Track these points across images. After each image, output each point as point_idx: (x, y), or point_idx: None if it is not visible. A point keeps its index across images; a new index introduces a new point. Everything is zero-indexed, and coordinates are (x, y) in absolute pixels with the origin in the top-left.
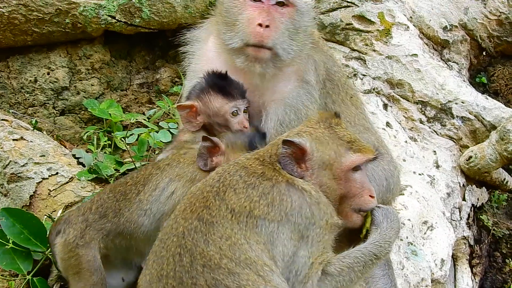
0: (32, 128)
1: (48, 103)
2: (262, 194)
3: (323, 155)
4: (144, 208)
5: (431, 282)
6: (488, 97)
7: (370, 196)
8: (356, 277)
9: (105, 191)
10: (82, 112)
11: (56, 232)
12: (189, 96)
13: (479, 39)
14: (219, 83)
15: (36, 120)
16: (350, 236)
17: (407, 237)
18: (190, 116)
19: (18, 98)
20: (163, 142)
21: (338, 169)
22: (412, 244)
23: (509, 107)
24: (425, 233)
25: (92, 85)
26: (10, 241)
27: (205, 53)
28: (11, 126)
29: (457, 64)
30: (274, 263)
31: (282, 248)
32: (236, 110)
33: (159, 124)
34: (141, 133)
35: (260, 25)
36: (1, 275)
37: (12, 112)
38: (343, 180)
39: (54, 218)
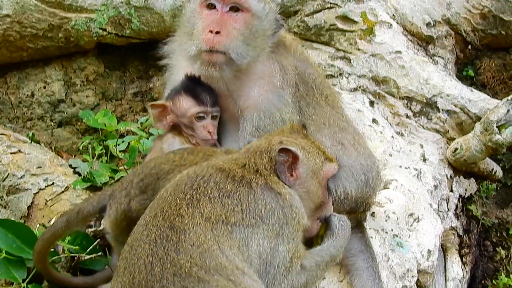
0: (30, 141)
1: (45, 116)
2: (237, 202)
3: (312, 164)
4: None
5: (418, 273)
6: (473, 89)
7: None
8: (320, 274)
9: (148, 165)
10: (79, 123)
11: (100, 206)
12: (166, 96)
13: (464, 33)
14: (191, 86)
15: (33, 133)
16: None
17: (392, 230)
18: (161, 115)
19: (16, 112)
20: None
21: (322, 177)
22: (397, 236)
23: (497, 98)
24: (411, 225)
25: (87, 96)
26: (3, 251)
27: (180, 63)
28: (9, 140)
29: (443, 59)
30: (248, 264)
31: (258, 247)
32: (203, 115)
33: (150, 131)
34: (132, 140)
35: (211, 31)
36: None
37: (10, 126)
38: (323, 188)
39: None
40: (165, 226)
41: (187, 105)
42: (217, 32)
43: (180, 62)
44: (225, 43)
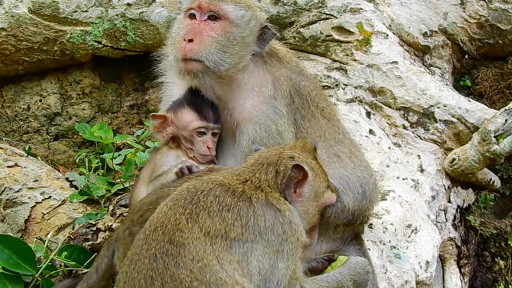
0: (26, 155)
1: (41, 129)
2: (237, 216)
3: (317, 186)
4: None
5: (416, 284)
6: (470, 99)
7: None
8: None
9: (145, 201)
10: (75, 136)
11: (111, 252)
12: (168, 107)
13: (461, 43)
14: (195, 101)
15: (29, 147)
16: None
17: (389, 241)
18: (161, 126)
19: (12, 126)
20: None
21: (321, 202)
22: (395, 247)
23: (495, 108)
24: (409, 236)
25: (83, 109)
26: (0, 267)
27: (174, 80)
28: (6, 154)
29: (440, 68)
30: (248, 279)
31: (257, 263)
32: (204, 130)
33: (146, 143)
34: (128, 153)
35: (185, 40)
36: None
37: (6, 140)
38: (319, 213)
39: (45, 240)
40: (164, 240)
41: (189, 119)
42: (190, 40)
43: (173, 79)
44: (198, 51)
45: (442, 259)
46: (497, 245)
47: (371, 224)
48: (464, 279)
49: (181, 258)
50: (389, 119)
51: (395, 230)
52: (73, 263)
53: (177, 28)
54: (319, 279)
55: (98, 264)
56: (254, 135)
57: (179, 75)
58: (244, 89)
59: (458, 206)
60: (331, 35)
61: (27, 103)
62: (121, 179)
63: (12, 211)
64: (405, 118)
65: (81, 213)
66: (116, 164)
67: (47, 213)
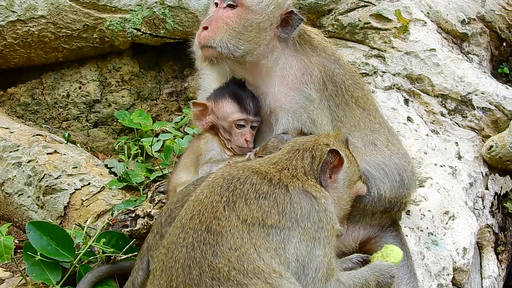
0: (66, 142)
1: (81, 117)
2: (274, 203)
3: (351, 174)
4: None
5: (454, 271)
6: (508, 87)
7: None
8: None
9: (172, 201)
10: (114, 123)
11: (146, 264)
12: (209, 96)
13: (499, 30)
14: (238, 92)
15: (68, 134)
16: None
17: (427, 228)
18: (201, 114)
19: (52, 113)
20: None
21: (354, 191)
22: (432, 234)
23: None
24: (446, 223)
25: (122, 96)
26: (38, 253)
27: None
28: (45, 141)
29: (478, 56)
30: (286, 267)
31: (295, 251)
32: (244, 123)
33: (185, 130)
34: (167, 139)
35: (202, 27)
36: (32, 286)
37: (46, 127)
38: (351, 201)
39: (84, 226)
40: (202, 229)
41: (230, 110)
42: (205, 28)
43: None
44: (210, 37)
45: (479, 246)
46: None
47: (408, 210)
48: (501, 265)
49: (219, 247)
50: (427, 106)
51: (433, 216)
52: (112, 249)
53: (205, 15)
54: (352, 275)
55: (133, 279)
56: (287, 124)
57: (200, 62)
58: (272, 75)
59: (496, 193)
60: (369, 23)
61: (67, 90)
62: (160, 166)
63: (51, 197)
64: (443, 105)
65: (120, 199)
66: (155, 151)
67: (86, 199)
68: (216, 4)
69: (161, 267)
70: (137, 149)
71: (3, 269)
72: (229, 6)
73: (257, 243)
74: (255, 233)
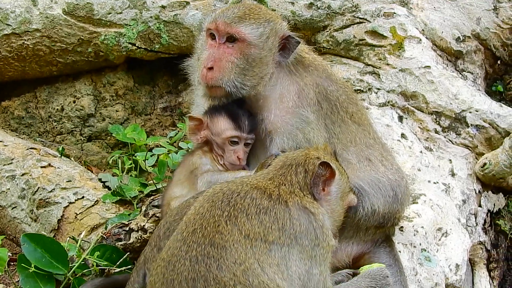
0: (60, 155)
1: (75, 131)
2: (274, 219)
3: (343, 186)
4: None
5: (446, 287)
6: (502, 104)
7: None
8: None
9: (171, 214)
10: (108, 137)
11: (142, 276)
12: (205, 111)
13: (493, 48)
14: (234, 110)
15: (62, 147)
16: None
17: (420, 244)
18: (196, 128)
19: (46, 126)
20: None
21: (346, 203)
22: (425, 250)
23: None
24: (439, 240)
25: (116, 111)
26: (32, 265)
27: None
28: (39, 154)
29: (472, 74)
30: (289, 283)
31: (296, 269)
32: (237, 140)
33: (179, 145)
34: (161, 154)
35: (205, 68)
36: None
37: (40, 141)
38: (343, 214)
39: (77, 239)
40: (205, 242)
41: (224, 127)
42: (210, 68)
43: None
44: (218, 78)
45: (472, 263)
46: None
47: (402, 227)
48: (493, 282)
49: (223, 260)
50: (421, 123)
51: (426, 233)
52: (106, 262)
53: (202, 46)
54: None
55: None
56: (283, 145)
57: (206, 100)
58: (269, 100)
59: (489, 211)
60: (364, 39)
61: (61, 104)
62: (154, 181)
63: (45, 211)
64: (437, 122)
65: (113, 213)
66: (149, 166)
67: (80, 213)
68: (212, 36)
69: (161, 280)
70: (131, 164)
71: None
72: (229, 40)
73: (260, 258)
74: (257, 248)
